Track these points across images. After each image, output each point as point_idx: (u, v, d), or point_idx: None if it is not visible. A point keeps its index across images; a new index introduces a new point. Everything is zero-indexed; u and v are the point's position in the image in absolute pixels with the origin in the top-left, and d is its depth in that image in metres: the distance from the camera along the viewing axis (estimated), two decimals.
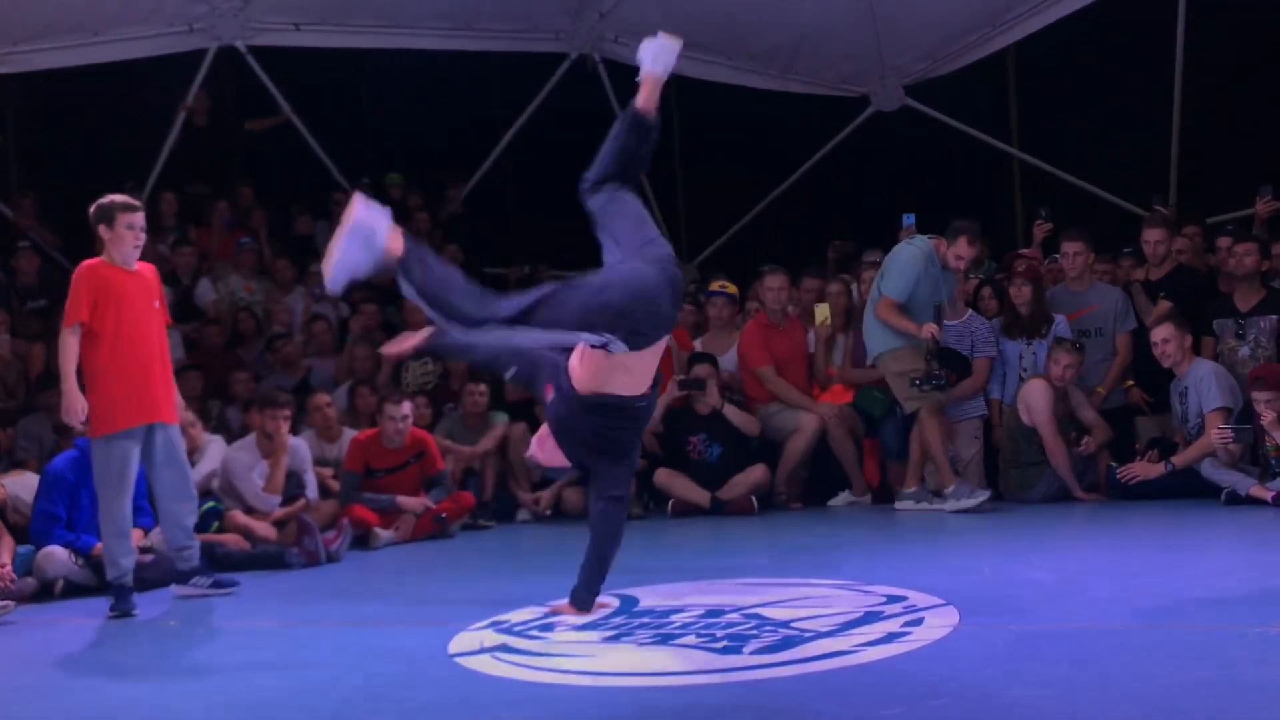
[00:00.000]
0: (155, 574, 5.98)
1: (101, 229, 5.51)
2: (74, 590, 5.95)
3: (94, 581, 5.93)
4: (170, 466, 5.58)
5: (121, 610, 5.34)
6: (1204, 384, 6.83)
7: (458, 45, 11.32)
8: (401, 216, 11.04)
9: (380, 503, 7.37)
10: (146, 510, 6.30)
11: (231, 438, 7.73)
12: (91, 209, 5.57)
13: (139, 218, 5.55)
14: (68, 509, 6.11)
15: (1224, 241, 7.76)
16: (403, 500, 7.41)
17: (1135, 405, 7.62)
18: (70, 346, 5.35)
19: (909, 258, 7.27)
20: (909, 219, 8.74)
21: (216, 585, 5.75)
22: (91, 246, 5.70)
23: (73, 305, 5.39)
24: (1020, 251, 8.75)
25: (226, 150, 11.15)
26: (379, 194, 11.43)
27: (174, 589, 5.76)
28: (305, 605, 5.48)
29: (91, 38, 10.39)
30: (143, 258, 5.70)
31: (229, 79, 11.42)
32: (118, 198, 5.63)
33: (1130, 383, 7.58)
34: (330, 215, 11.04)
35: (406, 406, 7.49)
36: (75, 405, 5.34)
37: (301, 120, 11.27)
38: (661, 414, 7.71)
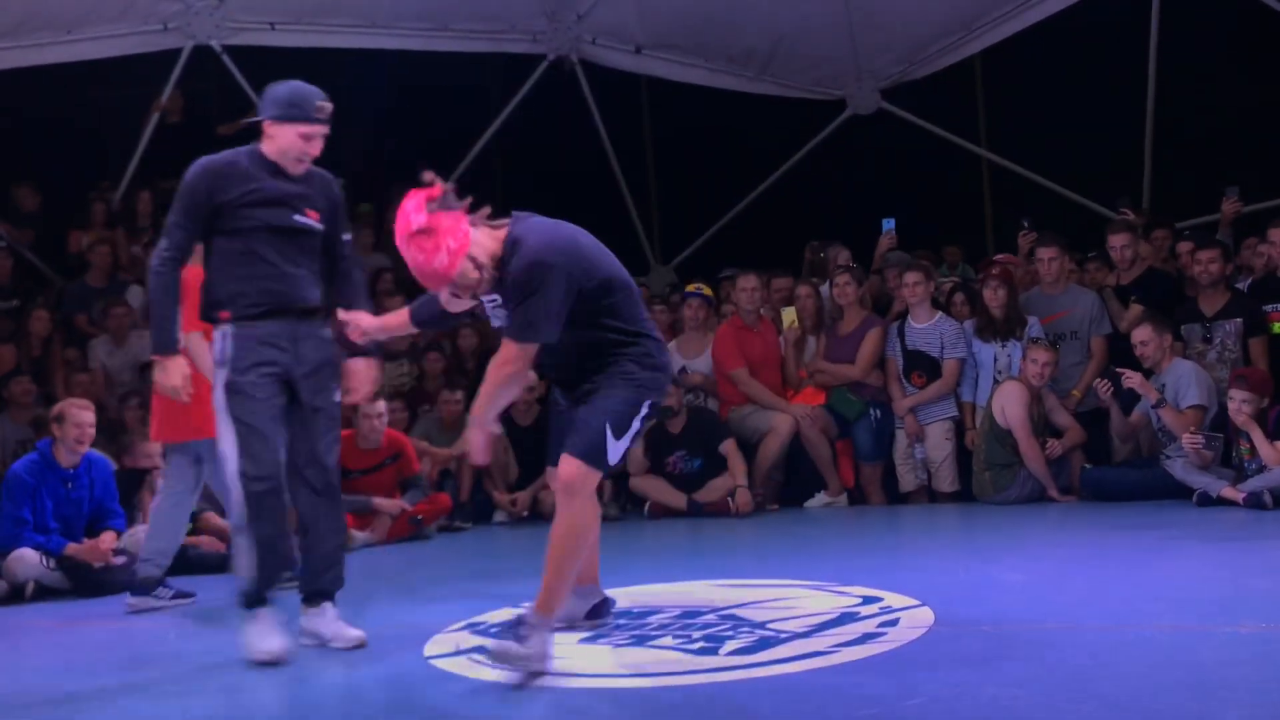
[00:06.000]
0: (125, 576, 5.93)
1: None
2: (45, 593, 5.90)
3: (65, 584, 5.90)
4: None
5: None
6: (1183, 382, 6.88)
7: (434, 46, 11.28)
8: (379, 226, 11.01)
9: (356, 504, 7.34)
10: (119, 512, 6.26)
11: None
12: None
13: None
14: (32, 512, 6.03)
15: (1185, 247, 7.83)
16: (379, 502, 7.39)
17: (1108, 408, 7.66)
18: None
19: None
20: (888, 223, 8.77)
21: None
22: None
23: None
24: (994, 258, 8.78)
25: (202, 149, 11.06)
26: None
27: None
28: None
29: (64, 35, 10.31)
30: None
31: (206, 78, 11.34)
32: None
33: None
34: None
35: (381, 404, 7.46)
36: None
37: None
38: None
